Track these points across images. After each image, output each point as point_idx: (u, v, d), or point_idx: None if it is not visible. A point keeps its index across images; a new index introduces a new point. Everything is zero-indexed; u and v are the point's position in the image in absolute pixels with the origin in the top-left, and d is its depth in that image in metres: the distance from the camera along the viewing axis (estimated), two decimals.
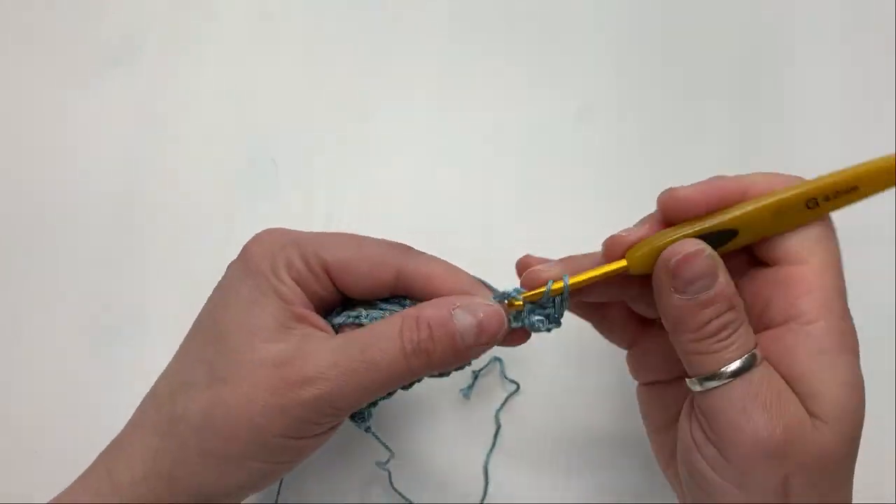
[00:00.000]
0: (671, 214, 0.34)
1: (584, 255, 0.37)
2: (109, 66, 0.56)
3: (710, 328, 0.32)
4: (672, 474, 0.37)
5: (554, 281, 0.35)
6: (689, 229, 0.34)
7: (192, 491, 0.33)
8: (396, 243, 0.37)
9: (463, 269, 0.37)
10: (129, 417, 0.48)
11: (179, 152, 0.54)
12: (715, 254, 0.32)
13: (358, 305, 0.37)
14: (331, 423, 0.35)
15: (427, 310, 0.33)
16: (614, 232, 0.36)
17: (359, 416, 0.38)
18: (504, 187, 0.53)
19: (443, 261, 0.36)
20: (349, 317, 0.36)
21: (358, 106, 0.55)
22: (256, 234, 0.37)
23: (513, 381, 0.48)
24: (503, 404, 0.48)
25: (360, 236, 0.37)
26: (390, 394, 0.37)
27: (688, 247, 0.32)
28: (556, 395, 0.48)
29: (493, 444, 0.47)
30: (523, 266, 0.37)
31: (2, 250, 0.52)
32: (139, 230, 0.52)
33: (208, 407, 0.33)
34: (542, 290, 0.35)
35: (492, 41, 0.57)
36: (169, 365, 0.36)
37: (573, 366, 0.48)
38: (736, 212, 0.34)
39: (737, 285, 0.34)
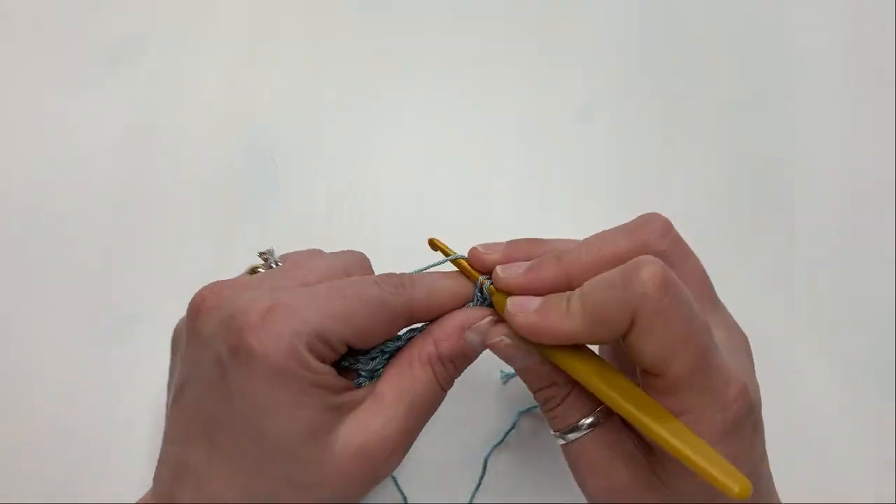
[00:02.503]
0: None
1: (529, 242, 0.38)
2: (110, 64, 0.56)
3: (538, 397, 0.35)
4: None
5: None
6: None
7: None
8: (392, 282, 0.36)
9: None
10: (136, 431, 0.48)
11: (179, 151, 0.54)
12: (518, 342, 0.34)
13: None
14: None
15: (443, 343, 0.35)
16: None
17: None
18: (504, 187, 0.53)
19: (440, 280, 0.37)
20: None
21: (358, 105, 0.55)
22: (261, 324, 0.31)
23: None
24: (530, 409, 0.47)
25: (363, 289, 0.34)
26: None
27: (492, 337, 0.35)
28: None
29: (501, 440, 0.47)
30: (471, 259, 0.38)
31: (1, 249, 0.52)
32: (139, 229, 0.52)
33: None
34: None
35: (493, 40, 0.57)
36: (207, 482, 0.33)
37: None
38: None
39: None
